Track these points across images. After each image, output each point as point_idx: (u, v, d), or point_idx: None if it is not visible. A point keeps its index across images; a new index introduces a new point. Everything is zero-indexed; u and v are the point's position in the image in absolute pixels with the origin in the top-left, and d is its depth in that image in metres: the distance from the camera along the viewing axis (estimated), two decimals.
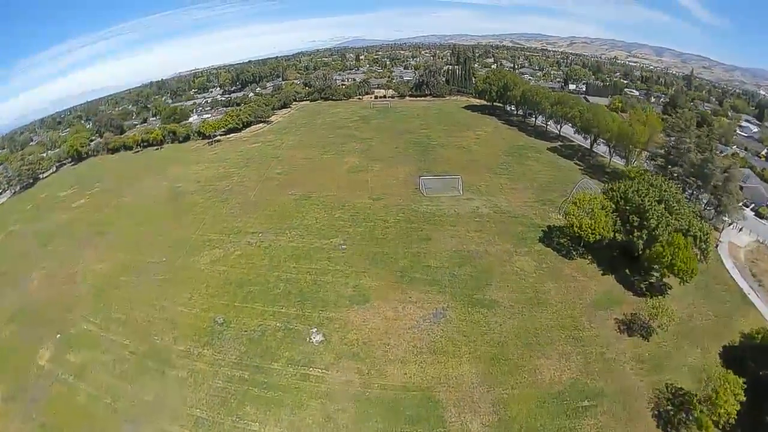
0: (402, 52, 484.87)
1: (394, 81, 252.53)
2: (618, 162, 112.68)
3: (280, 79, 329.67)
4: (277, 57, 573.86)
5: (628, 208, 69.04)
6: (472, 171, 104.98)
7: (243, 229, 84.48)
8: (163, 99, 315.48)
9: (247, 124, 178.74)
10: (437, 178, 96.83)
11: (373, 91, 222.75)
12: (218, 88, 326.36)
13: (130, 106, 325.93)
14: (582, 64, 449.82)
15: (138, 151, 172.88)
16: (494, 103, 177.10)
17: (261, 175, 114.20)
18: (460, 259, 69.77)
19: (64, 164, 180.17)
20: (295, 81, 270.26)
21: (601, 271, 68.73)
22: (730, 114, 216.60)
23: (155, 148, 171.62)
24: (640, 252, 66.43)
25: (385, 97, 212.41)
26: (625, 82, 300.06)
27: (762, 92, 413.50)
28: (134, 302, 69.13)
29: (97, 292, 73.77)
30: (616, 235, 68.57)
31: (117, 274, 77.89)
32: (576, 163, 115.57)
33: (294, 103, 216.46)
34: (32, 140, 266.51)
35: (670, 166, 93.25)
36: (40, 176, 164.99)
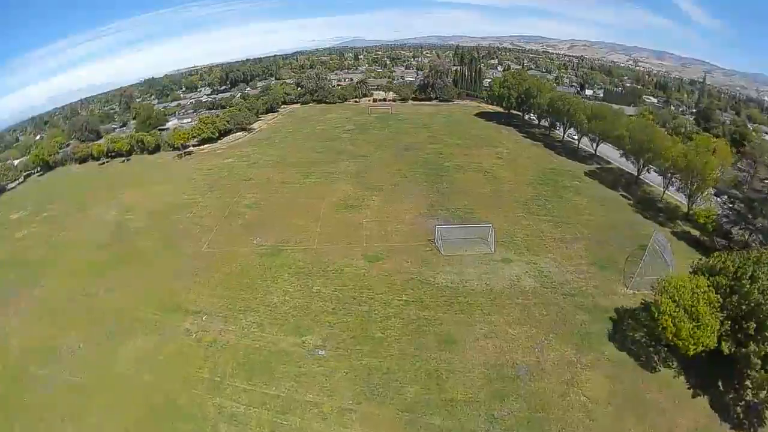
0: (402, 52, 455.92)
1: (395, 82, 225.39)
2: (673, 196, 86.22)
3: (274, 78, 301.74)
4: (275, 56, 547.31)
5: (743, 308, 42.68)
6: (500, 207, 77.80)
7: (183, 305, 56.52)
8: (145, 100, 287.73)
9: (226, 133, 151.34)
10: (459, 226, 69.22)
11: (371, 93, 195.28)
12: (207, 88, 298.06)
13: (115, 106, 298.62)
14: (590, 67, 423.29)
15: (104, 163, 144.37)
16: (511, 111, 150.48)
17: (225, 206, 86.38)
18: (500, 384, 42.39)
19: (33, 174, 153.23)
20: (288, 81, 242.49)
21: (691, 389, 42.76)
22: (749, 126, 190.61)
23: (122, 159, 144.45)
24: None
25: (385, 100, 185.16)
26: (639, 87, 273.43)
27: (767, 98, 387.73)
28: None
29: None
30: (723, 344, 42.67)
31: (23, 362, 51.48)
32: (622, 195, 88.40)
33: (283, 106, 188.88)
34: (19, 140, 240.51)
35: (751, 216, 66.52)
36: (7, 187, 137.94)
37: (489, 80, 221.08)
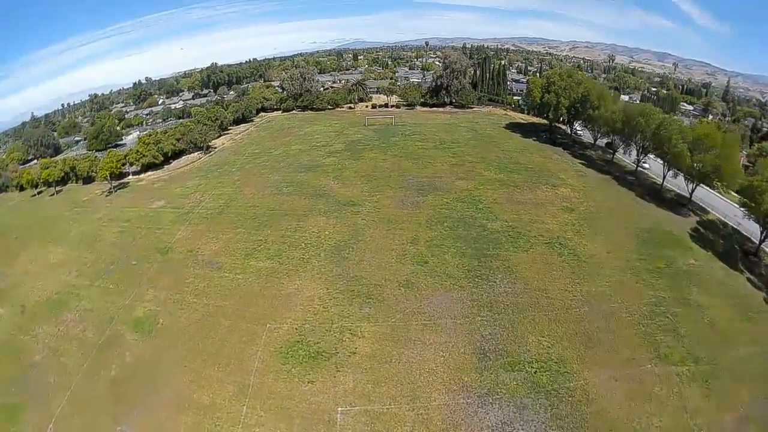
0: (405, 53, 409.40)
1: (398, 83, 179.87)
2: None
3: (262, 80, 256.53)
4: (275, 57, 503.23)
5: None
6: (610, 349, 37.22)
7: None
8: (127, 105, 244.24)
9: (178, 154, 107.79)
10: None
11: (369, 98, 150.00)
12: (187, 92, 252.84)
13: (81, 116, 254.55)
14: (603, 69, 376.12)
15: (36, 195, 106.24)
16: (553, 124, 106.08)
17: (109, 318, 47.28)
18: None
19: None
20: (274, 83, 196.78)
21: None
22: None
23: (52, 192, 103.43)
24: None
25: (387, 105, 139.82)
26: (674, 93, 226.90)
27: None
28: None
29: None
30: None
31: None
32: (749, 280, 45.60)
33: (261, 114, 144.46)
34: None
35: None
36: None
37: (516, 82, 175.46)
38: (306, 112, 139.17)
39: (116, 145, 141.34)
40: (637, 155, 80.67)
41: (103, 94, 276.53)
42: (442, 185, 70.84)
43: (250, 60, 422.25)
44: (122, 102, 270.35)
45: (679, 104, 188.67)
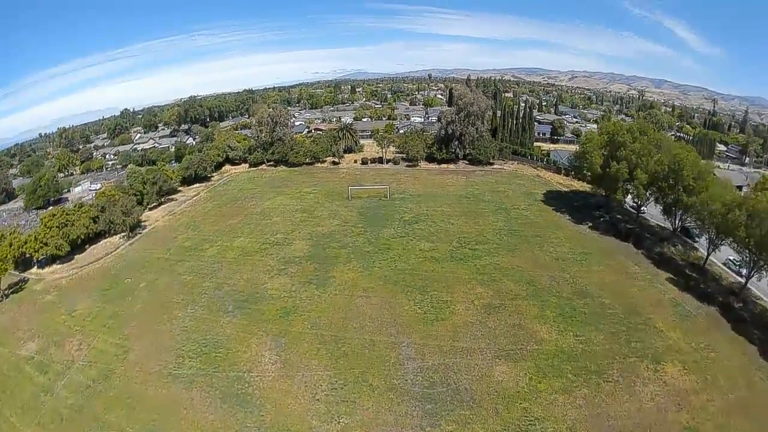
0: (405, 84, 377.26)
1: (397, 125, 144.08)
2: None
3: (247, 115, 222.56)
4: (274, 87, 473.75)
5: None
6: None
7: None
8: (86, 145, 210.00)
9: (85, 240, 70.99)
10: None
11: (361, 147, 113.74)
12: (164, 127, 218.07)
13: (50, 149, 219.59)
14: (613, 101, 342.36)
15: None
16: (607, 193, 69.61)
17: None
18: None
19: None
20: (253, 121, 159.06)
21: None
22: None
23: None
24: None
25: (381, 159, 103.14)
26: (689, 127, 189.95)
27: None
28: None
29: None
30: None
31: None
32: None
33: (226, 166, 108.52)
34: None
35: None
36: None
37: (537, 123, 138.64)
38: (278, 168, 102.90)
39: (58, 201, 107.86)
40: (749, 269, 44.46)
41: (74, 127, 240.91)
42: (472, 379, 34.35)
43: (242, 90, 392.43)
44: (104, 134, 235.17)
45: (714, 143, 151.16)
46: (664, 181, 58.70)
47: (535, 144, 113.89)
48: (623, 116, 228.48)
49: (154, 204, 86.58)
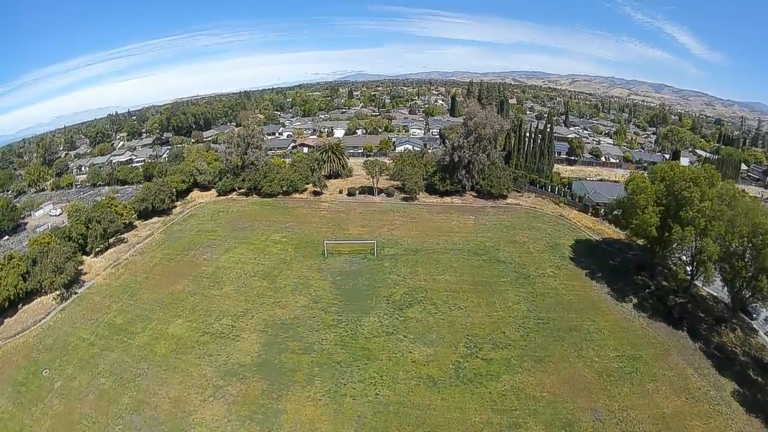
0: (405, 88, 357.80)
1: (394, 140, 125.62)
2: None
3: (234, 123, 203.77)
4: (272, 89, 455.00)
5: None
6: None
7: None
8: (65, 154, 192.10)
9: (16, 300, 53.68)
10: None
11: (348, 170, 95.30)
12: (147, 135, 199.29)
13: (27, 156, 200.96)
14: (620, 108, 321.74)
15: None
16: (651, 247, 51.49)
17: None
18: None
19: None
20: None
21: None
22: None
23: None
24: None
25: (372, 190, 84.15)
26: (704, 141, 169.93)
27: None
28: None
29: None
30: None
31: None
32: None
33: (194, 192, 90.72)
34: None
35: None
36: None
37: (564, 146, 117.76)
38: (248, 199, 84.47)
39: (16, 228, 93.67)
40: None
41: (53, 134, 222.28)
42: None
43: (240, 92, 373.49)
44: (89, 138, 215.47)
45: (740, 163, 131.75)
46: (740, 259, 41.45)
47: (562, 175, 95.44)
48: (635, 128, 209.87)
49: (101, 248, 68.88)
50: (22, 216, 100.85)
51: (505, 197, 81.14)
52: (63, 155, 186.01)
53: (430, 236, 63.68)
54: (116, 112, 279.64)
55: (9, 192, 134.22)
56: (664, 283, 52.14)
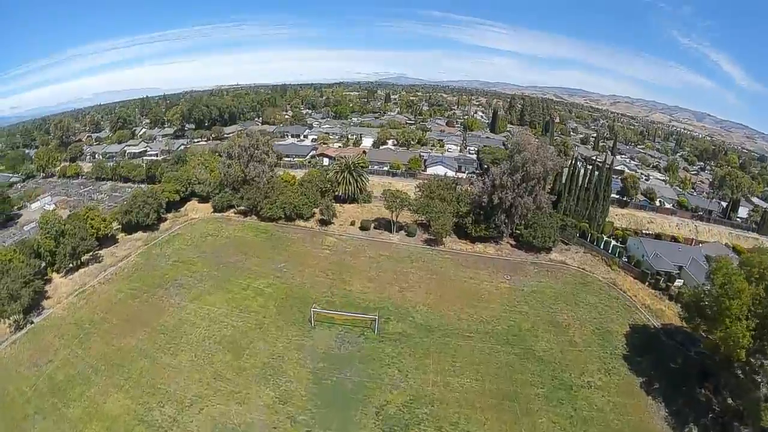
0: (444, 95, 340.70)
1: (425, 157, 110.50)
2: None
3: (259, 120, 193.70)
4: (311, 84, 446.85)
5: None
6: None
7: None
8: (80, 136, 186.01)
9: None
10: None
11: (368, 196, 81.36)
12: (168, 126, 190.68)
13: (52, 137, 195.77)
14: (664, 136, 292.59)
15: None
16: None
17: None
18: None
19: None
20: (270, 129, 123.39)
21: None
22: None
23: None
24: None
25: (390, 226, 69.70)
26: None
27: None
28: None
29: None
30: None
31: None
32: None
33: (191, 203, 79.11)
34: None
35: None
36: None
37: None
38: (245, 221, 71.89)
39: (8, 221, 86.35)
40: None
41: (69, 118, 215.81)
42: None
43: (277, 84, 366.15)
44: (110, 122, 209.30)
45: None
46: None
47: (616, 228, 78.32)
48: (683, 161, 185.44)
49: (71, 266, 57.93)
50: (18, 207, 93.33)
51: (549, 250, 65.46)
52: (84, 137, 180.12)
53: (452, 305, 48.98)
54: (147, 96, 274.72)
55: (18, 175, 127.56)
56: (729, 401, 38.29)
